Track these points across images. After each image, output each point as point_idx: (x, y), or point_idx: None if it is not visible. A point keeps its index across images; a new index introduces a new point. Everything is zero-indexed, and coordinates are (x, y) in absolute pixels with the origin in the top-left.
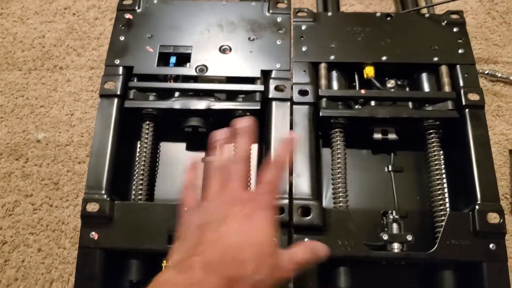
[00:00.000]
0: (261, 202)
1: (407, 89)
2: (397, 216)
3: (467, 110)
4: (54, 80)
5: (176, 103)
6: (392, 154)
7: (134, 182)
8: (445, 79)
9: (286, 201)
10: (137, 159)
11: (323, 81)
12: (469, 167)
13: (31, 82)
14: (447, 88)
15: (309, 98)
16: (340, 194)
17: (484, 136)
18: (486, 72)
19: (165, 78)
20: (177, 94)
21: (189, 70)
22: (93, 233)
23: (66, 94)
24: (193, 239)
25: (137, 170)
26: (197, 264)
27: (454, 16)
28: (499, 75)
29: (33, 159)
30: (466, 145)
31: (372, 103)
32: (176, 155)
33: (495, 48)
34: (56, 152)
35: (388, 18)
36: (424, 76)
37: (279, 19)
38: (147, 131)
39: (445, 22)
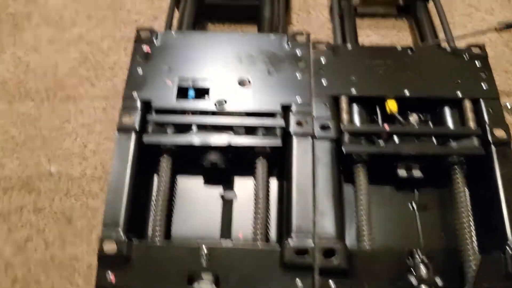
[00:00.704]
0: None
1: (430, 123)
2: (423, 257)
3: (493, 146)
4: (67, 111)
5: (196, 139)
6: (415, 190)
7: (151, 219)
8: (469, 114)
9: (310, 241)
10: (154, 195)
11: (344, 116)
12: (497, 206)
13: (43, 112)
14: (471, 124)
15: (331, 133)
16: (365, 234)
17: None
18: (508, 106)
19: (183, 111)
20: (194, 127)
21: (208, 104)
22: (110, 273)
23: (79, 125)
24: None
25: (154, 207)
26: None
27: (476, 50)
28: None
29: (45, 192)
30: (493, 182)
31: (395, 138)
32: (193, 190)
33: None
34: (69, 185)
35: (409, 52)
36: (447, 110)
37: (298, 52)
38: (165, 166)
39: (467, 56)
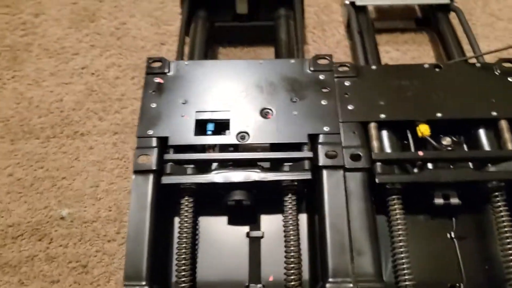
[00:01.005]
0: None
1: (464, 146)
2: None
3: None
4: (76, 148)
5: (217, 177)
6: (453, 218)
7: (176, 266)
8: (506, 135)
9: (350, 285)
10: (177, 239)
11: (375, 143)
12: None
13: (50, 151)
14: (509, 146)
15: (362, 163)
16: (404, 270)
17: None
18: None
19: (202, 147)
20: (216, 163)
21: (229, 138)
22: None
23: (90, 163)
24: None
25: (178, 252)
26: None
27: (508, 65)
28: None
29: (57, 239)
30: None
31: (429, 164)
32: (218, 231)
33: None
34: (82, 229)
35: (437, 69)
36: (482, 132)
37: (321, 77)
38: (186, 208)
39: (499, 71)
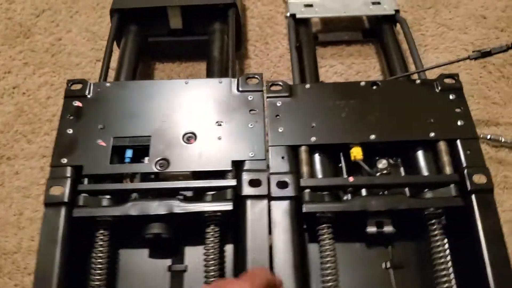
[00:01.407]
0: None
1: (401, 169)
2: None
3: (473, 195)
4: (1, 174)
5: (133, 209)
6: (389, 247)
7: None
8: (445, 158)
9: None
10: (90, 276)
11: (304, 168)
12: (481, 264)
13: None
14: (448, 169)
15: (289, 191)
16: None
17: (495, 226)
18: (488, 137)
19: (120, 176)
20: (135, 194)
21: (147, 166)
22: None
23: (14, 189)
24: None
25: None
26: None
27: (449, 81)
28: (503, 139)
29: None
30: (475, 236)
31: (363, 191)
32: (138, 264)
33: (495, 107)
34: (1, 262)
35: (374, 87)
36: (420, 154)
37: (250, 98)
38: (101, 242)
39: (439, 88)
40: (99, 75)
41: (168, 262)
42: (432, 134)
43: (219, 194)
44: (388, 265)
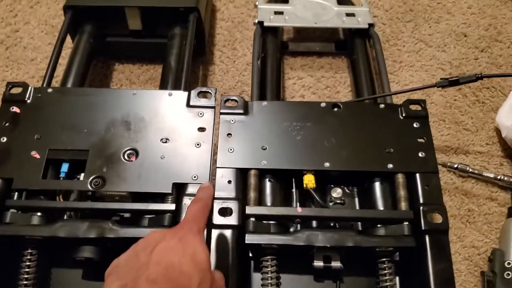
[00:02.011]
0: (191, 228)
1: (356, 199)
2: None
3: (427, 236)
4: None
5: (62, 230)
6: (338, 282)
7: None
8: (401, 193)
9: None
10: None
11: (252, 194)
12: None
13: None
14: (403, 205)
15: (233, 219)
16: None
17: (447, 271)
18: (455, 166)
19: (54, 192)
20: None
21: (82, 183)
22: None
23: None
24: (133, 263)
25: None
26: (143, 282)
27: (415, 107)
28: (470, 170)
29: None
30: (425, 280)
31: (314, 222)
32: (71, 285)
33: (466, 134)
34: None
35: (335, 109)
36: (376, 186)
37: (200, 114)
38: (28, 262)
39: (404, 115)
40: (43, 78)
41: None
42: (390, 166)
43: (157, 218)
44: None
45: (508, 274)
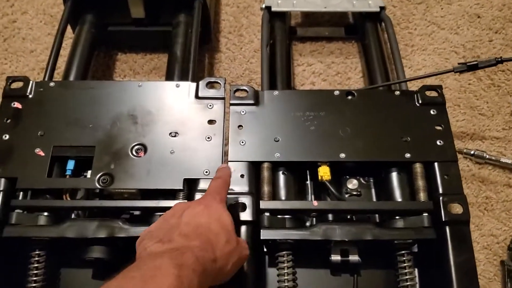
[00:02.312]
0: (214, 197)
1: (373, 190)
2: None
3: (447, 227)
4: None
5: (70, 230)
6: (355, 276)
7: None
8: (420, 183)
9: None
10: None
11: (265, 188)
12: None
13: None
14: (422, 196)
15: (247, 214)
16: None
17: (469, 263)
18: (471, 153)
19: (60, 191)
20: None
21: (89, 181)
22: None
23: None
24: (165, 226)
25: None
26: (177, 236)
27: (431, 93)
28: (487, 156)
29: None
30: (446, 272)
31: (330, 215)
32: (82, 285)
33: (481, 119)
34: None
35: (349, 97)
36: (393, 176)
37: (210, 106)
38: (36, 264)
39: (420, 101)
40: (44, 71)
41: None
42: (407, 155)
43: None
44: None
45: None
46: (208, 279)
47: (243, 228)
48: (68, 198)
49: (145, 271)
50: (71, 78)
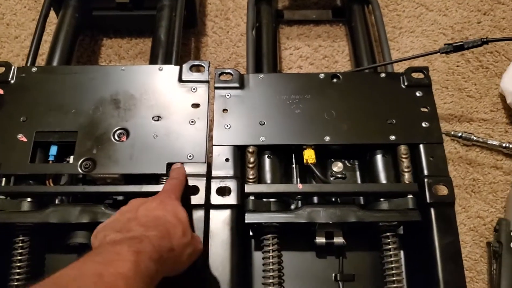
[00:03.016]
0: (169, 195)
1: (357, 173)
2: None
3: (432, 209)
4: None
5: (53, 216)
6: (340, 258)
7: None
8: (405, 165)
9: None
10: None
11: (250, 172)
12: (436, 284)
13: None
14: (407, 178)
15: (231, 198)
16: None
17: (454, 245)
18: (459, 135)
19: (44, 176)
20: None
21: (71, 166)
22: None
23: None
24: (121, 219)
25: None
26: (135, 226)
27: (417, 75)
28: (474, 138)
29: None
30: (431, 254)
31: (315, 198)
32: None
33: (469, 101)
34: None
35: (334, 80)
36: (378, 158)
37: (193, 90)
38: (20, 250)
39: (406, 83)
40: (27, 57)
41: None
42: (392, 138)
43: None
44: (339, 277)
45: None
46: (164, 267)
47: (228, 212)
48: (51, 184)
49: (105, 256)
50: (55, 63)
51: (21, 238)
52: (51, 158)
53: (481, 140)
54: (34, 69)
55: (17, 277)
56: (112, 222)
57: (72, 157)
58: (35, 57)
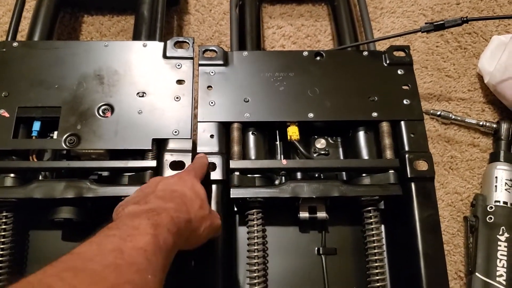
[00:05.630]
0: (189, 172)
1: (340, 150)
2: None
3: (412, 184)
4: None
5: (37, 191)
6: (323, 232)
7: None
8: (386, 141)
9: None
10: None
11: (235, 148)
12: (415, 257)
13: None
14: (388, 154)
15: (217, 174)
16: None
17: (433, 218)
18: (438, 113)
19: (27, 152)
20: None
21: (55, 142)
22: None
23: None
24: (141, 193)
25: None
26: (153, 198)
27: (399, 54)
28: (453, 116)
29: None
30: (411, 227)
31: (298, 174)
32: (50, 247)
33: (448, 81)
34: None
35: (318, 58)
36: (361, 135)
37: (178, 66)
38: (4, 226)
39: (388, 61)
40: (7, 32)
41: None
42: (374, 114)
43: (137, 176)
44: (321, 251)
45: (490, 218)
46: (182, 239)
47: (214, 187)
48: (35, 160)
49: (124, 230)
50: (35, 39)
51: (4, 214)
52: (34, 133)
53: (459, 118)
54: (15, 43)
55: (0, 252)
56: (131, 197)
57: (56, 132)
58: (15, 32)
